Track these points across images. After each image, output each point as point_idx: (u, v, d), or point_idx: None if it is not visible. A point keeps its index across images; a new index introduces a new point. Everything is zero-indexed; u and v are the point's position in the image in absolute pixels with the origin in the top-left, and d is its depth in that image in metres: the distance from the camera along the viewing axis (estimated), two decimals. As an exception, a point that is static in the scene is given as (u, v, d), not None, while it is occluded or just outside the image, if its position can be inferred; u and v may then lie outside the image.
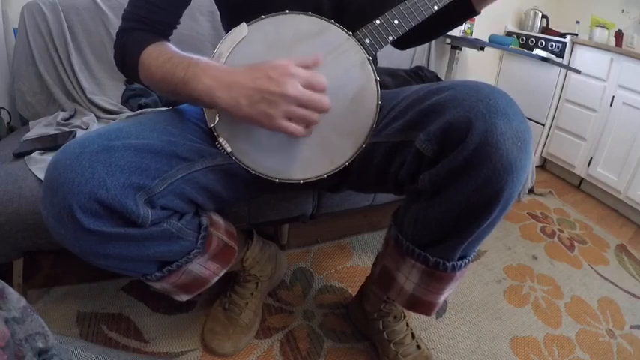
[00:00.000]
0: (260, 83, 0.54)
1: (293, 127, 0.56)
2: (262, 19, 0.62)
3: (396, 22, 0.66)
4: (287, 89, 0.53)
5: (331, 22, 0.64)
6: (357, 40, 0.64)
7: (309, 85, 0.56)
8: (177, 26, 0.71)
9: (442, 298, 0.68)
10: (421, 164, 0.59)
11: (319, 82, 0.57)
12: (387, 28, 0.66)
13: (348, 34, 0.64)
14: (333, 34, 0.64)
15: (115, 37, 0.68)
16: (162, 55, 0.61)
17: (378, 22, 0.65)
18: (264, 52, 0.62)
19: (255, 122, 0.56)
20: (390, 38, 0.66)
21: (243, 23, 0.62)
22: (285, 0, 0.64)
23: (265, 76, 0.54)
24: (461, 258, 0.63)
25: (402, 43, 0.87)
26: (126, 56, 0.65)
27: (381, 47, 0.66)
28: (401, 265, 0.67)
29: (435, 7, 0.68)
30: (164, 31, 0.68)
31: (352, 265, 1.20)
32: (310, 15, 0.63)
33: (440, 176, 0.55)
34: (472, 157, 0.51)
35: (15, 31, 1.21)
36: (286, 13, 0.63)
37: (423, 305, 0.69)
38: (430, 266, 0.62)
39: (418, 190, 0.60)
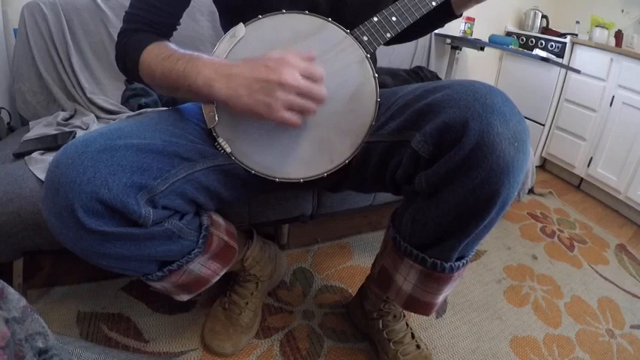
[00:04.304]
0: (258, 73, 0.55)
1: (291, 117, 0.56)
2: (259, 19, 0.62)
3: (394, 19, 0.66)
4: (285, 78, 0.54)
5: (328, 21, 0.63)
6: (355, 37, 0.64)
7: (307, 75, 0.56)
8: (178, 27, 0.71)
9: (440, 298, 0.68)
10: (417, 165, 0.58)
11: (317, 73, 0.57)
12: (385, 25, 0.65)
13: (345, 32, 0.64)
14: (331, 32, 0.64)
15: (115, 38, 0.69)
16: (163, 53, 0.61)
17: (375, 19, 0.65)
18: (262, 51, 0.62)
19: (253, 113, 0.56)
20: (388, 35, 0.66)
21: (241, 24, 0.62)
22: (283, 0, 0.64)
23: (264, 66, 0.55)
24: (459, 259, 0.63)
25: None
26: (127, 56, 0.65)
27: (379, 44, 0.66)
28: (399, 265, 0.67)
29: (434, 3, 0.68)
30: (164, 32, 0.68)
31: (352, 265, 1.20)
32: (307, 14, 0.63)
33: (436, 177, 0.55)
34: (468, 157, 0.51)
35: (15, 31, 1.21)
36: (283, 13, 0.63)
37: (421, 306, 0.69)
38: (428, 267, 0.62)
39: (415, 190, 0.60)
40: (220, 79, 0.55)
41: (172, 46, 0.64)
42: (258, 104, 0.55)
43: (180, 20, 0.71)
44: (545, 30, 2.21)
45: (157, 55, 0.61)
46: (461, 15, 0.79)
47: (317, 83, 0.57)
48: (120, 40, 0.67)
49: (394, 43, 0.91)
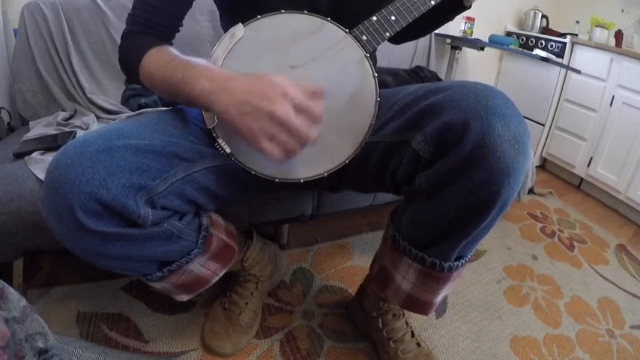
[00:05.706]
0: (252, 96, 0.52)
1: (271, 150, 0.53)
2: (258, 19, 0.62)
3: (393, 18, 0.66)
4: (276, 109, 0.51)
5: (327, 20, 0.63)
6: (354, 37, 0.64)
7: (303, 111, 0.53)
8: (180, 29, 0.71)
9: (439, 298, 0.68)
10: (418, 165, 0.59)
11: (315, 113, 0.54)
12: (384, 24, 0.65)
13: (344, 31, 0.64)
14: (330, 31, 0.64)
15: (118, 40, 0.69)
16: (163, 58, 0.61)
17: (374, 18, 0.65)
18: (262, 52, 0.62)
19: (238, 133, 0.54)
20: (387, 34, 0.66)
21: (240, 24, 0.62)
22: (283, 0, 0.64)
23: (261, 90, 0.52)
24: (458, 258, 0.63)
25: (396, 39, 0.87)
26: (129, 59, 0.66)
27: (379, 44, 0.66)
28: (398, 264, 0.67)
29: (432, 2, 0.67)
30: (166, 34, 0.68)
31: (352, 265, 1.20)
32: (306, 13, 0.63)
33: (436, 177, 0.55)
34: (468, 158, 0.51)
35: (15, 31, 1.21)
36: (282, 13, 0.63)
37: (419, 305, 0.69)
38: (427, 266, 0.62)
39: (415, 190, 0.60)
40: (217, 91, 0.54)
41: (173, 51, 0.63)
42: (243, 127, 0.53)
43: (183, 22, 0.71)
44: (545, 30, 2.21)
45: (157, 60, 0.61)
46: (470, 6, 0.76)
47: (310, 123, 0.54)
48: (122, 42, 0.68)
49: (408, 40, 0.91)
